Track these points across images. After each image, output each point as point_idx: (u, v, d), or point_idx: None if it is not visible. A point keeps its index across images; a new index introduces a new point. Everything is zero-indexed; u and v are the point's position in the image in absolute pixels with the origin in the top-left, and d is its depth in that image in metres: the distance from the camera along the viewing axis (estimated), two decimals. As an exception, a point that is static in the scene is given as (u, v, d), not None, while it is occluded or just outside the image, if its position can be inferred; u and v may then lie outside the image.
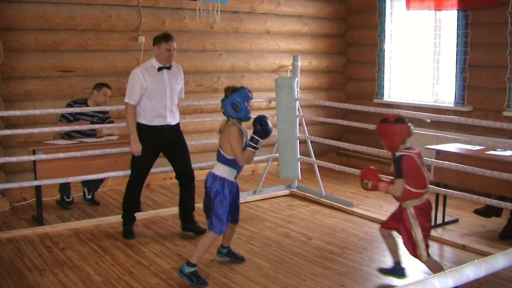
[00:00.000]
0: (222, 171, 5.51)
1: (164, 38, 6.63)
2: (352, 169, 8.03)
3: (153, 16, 9.00)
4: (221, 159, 5.51)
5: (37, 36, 8.19)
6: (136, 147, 6.68)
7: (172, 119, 6.78)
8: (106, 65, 8.74)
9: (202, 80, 9.60)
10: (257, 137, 5.35)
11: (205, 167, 8.98)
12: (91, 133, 7.97)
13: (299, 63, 9.21)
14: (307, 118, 9.15)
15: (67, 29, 8.40)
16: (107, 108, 7.84)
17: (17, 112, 7.39)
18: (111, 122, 8.08)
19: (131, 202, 6.91)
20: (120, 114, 8.81)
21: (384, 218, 7.35)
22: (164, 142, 6.78)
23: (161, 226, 7.21)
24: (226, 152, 5.45)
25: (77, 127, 7.54)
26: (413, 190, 5.03)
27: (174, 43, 6.65)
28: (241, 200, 8.08)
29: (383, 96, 10.37)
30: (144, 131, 6.68)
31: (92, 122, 7.84)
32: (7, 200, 8.04)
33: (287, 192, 8.81)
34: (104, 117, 8.03)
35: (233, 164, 5.48)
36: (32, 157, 7.17)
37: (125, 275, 5.62)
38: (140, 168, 6.87)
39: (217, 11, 9.00)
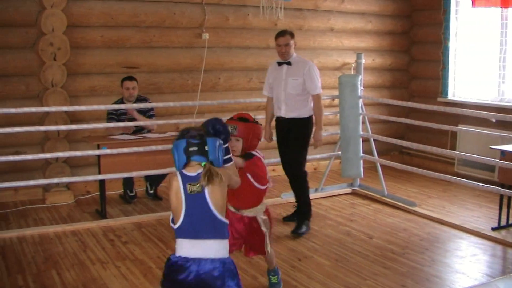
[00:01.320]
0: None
1: (276, 34, 6.95)
2: (415, 168, 7.92)
3: (217, 13, 9.02)
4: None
5: (102, 33, 8.30)
6: (265, 134, 7.31)
7: (287, 112, 6.96)
8: (169, 61, 8.81)
9: (265, 77, 9.57)
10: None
11: (267, 163, 8.99)
12: (138, 130, 8.04)
13: (363, 61, 9.11)
14: (370, 116, 9.06)
15: (131, 26, 8.49)
16: (153, 104, 7.99)
17: (83, 107, 7.50)
18: (152, 116, 8.10)
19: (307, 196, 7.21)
20: (183, 111, 8.87)
21: (447, 218, 7.30)
22: (280, 133, 7.15)
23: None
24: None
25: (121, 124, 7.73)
26: (262, 187, 4.86)
27: (283, 38, 6.85)
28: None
29: (447, 94, 10.19)
30: (311, 123, 7.04)
31: (129, 120, 7.91)
32: (72, 193, 8.18)
33: (349, 190, 8.73)
34: (145, 110, 8.03)
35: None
36: (97, 152, 7.26)
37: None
38: (305, 156, 7.17)
39: (280, 8, 8.98)
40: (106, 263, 5.82)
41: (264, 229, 4.88)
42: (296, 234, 6.73)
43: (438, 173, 7.53)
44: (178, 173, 3.60)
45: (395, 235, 6.79)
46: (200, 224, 3.53)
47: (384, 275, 5.56)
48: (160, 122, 7.88)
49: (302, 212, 7.04)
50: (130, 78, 7.96)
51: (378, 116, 9.65)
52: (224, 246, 3.60)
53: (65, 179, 7.47)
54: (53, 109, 7.41)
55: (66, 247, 6.31)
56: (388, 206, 7.98)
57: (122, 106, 7.73)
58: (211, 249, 3.54)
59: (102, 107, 7.61)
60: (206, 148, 3.55)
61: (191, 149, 3.54)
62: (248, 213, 4.87)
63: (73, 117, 8.15)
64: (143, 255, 6.05)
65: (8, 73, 7.83)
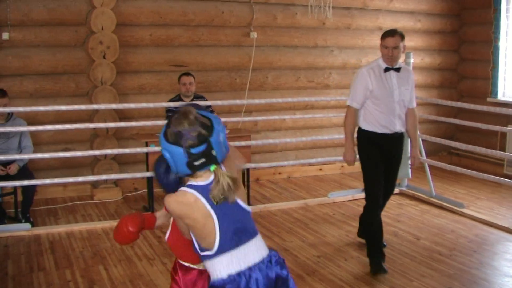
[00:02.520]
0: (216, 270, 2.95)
1: (384, 34, 5.77)
2: (464, 169, 7.82)
3: (265, 12, 9.03)
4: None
5: (151, 31, 8.37)
6: (348, 156, 5.97)
7: (401, 126, 5.87)
8: (218, 60, 8.84)
9: (313, 76, 9.56)
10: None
11: (315, 163, 8.98)
12: None
13: (412, 60, 9.00)
14: (419, 116, 8.94)
15: (180, 25, 8.55)
16: (208, 102, 7.91)
17: (131, 105, 7.57)
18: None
19: (370, 225, 5.94)
20: (231, 109, 8.89)
21: (495, 220, 7.20)
22: (386, 152, 5.86)
23: (269, 220, 7.21)
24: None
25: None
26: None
27: (392, 39, 5.65)
28: (350, 197, 8.06)
29: (497, 95, 10.02)
30: (369, 138, 5.87)
31: None
32: (120, 190, 8.26)
33: (396, 191, 8.64)
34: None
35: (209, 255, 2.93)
36: (145, 149, 7.32)
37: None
38: (372, 181, 5.91)
39: (328, 7, 8.93)
40: (153, 260, 5.86)
41: None
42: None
43: (487, 174, 7.43)
44: (188, 189, 2.82)
45: (443, 236, 6.70)
46: (237, 229, 2.91)
47: (431, 277, 5.50)
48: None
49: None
50: (187, 74, 7.99)
51: (426, 116, 9.54)
52: (261, 237, 3.05)
53: (113, 176, 7.55)
54: (102, 106, 7.49)
55: (113, 243, 6.36)
56: (435, 207, 7.88)
57: (178, 103, 7.76)
58: (258, 247, 3.00)
59: (151, 105, 7.66)
60: (214, 153, 2.80)
61: (196, 163, 2.77)
62: (203, 266, 3.25)
63: (121, 115, 8.24)
64: (189, 252, 6.07)
65: (58, 71, 7.95)
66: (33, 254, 6.03)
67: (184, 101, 7.82)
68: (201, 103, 7.83)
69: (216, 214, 2.81)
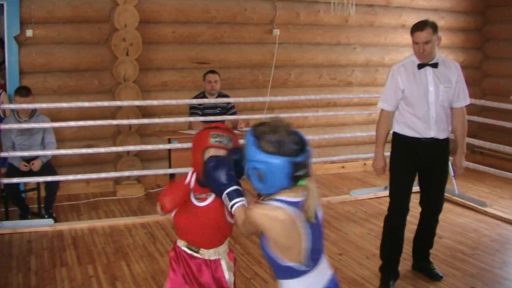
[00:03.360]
0: None
1: (412, 27, 5.15)
2: (487, 167, 7.77)
3: (288, 9, 9.01)
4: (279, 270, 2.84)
5: (174, 28, 8.39)
6: (376, 164, 5.43)
7: (439, 132, 5.15)
8: (240, 57, 8.84)
9: (336, 73, 9.53)
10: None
11: (337, 161, 8.95)
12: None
13: (435, 58, 8.97)
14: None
15: (203, 22, 8.56)
16: (230, 100, 7.95)
17: (154, 102, 7.59)
18: (234, 113, 8.12)
19: (388, 245, 5.42)
20: (253, 106, 8.90)
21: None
22: (421, 158, 5.25)
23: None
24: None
25: (202, 118, 7.64)
26: (232, 220, 3.50)
27: (421, 33, 5.01)
28: (372, 195, 8.03)
29: (521, 93, 9.96)
30: (399, 142, 5.33)
31: (214, 114, 7.90)
32: (142, 186, 8.29)
33: (417, 189, 8.59)
34: (228, 107, 8.07)
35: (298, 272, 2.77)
36: (167, 146, 7.34)
37: (254, 264, 5.66)
38: (396, 190, 5.43)
39: (351, 4, 8.89)
40: (175, 256, 5.87)
41: (227, 277, 3.61)
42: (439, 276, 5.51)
43: (510, 173, 7.37)
44: (281, 204, 2.62)
45: (465, 235, 6.66)
46: (319, 247, 2.81)
47: (453, 276, 5.46)
48: (231, 117, 7.89)
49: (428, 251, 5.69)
50: (213, 72, 8.00)
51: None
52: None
53: (136, 172, 7.58)
54: (125, 103, 7.51)
55: (135, 239, 6.40)
56: (458, 205, 7.83)
57: (200, 100, 7.78)
58: (327, 264, 2.91)
59: (174, 102, 7.68)
60: (310, 163, 2.68)
61: (298, 174, 2.62)
62: (209, 255, 3.51)
63: (144, 112, 8.26)
64: (211, 249, 6.08)
65: (82, 68, 7.99)
66: (55, 249, 6.07)
67: (208, 98, 7.83)
68: (224, 100, 7.85)
69: (305, 233, 2.64)
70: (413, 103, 5.11)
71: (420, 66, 5.12)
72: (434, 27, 5.02)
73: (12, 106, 6.88)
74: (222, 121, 7.82)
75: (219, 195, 3.03)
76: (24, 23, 7.60)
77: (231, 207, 2.98)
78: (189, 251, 3.44)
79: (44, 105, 6.98)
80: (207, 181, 3.05)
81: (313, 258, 2.73)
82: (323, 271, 2.82)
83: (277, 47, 8.98)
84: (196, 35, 8.54)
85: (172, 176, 7.43)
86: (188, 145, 7.14)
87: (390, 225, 5.39)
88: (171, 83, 8.50)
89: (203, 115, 7.80)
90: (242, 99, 7.92)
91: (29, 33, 7.61)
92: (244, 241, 6.32)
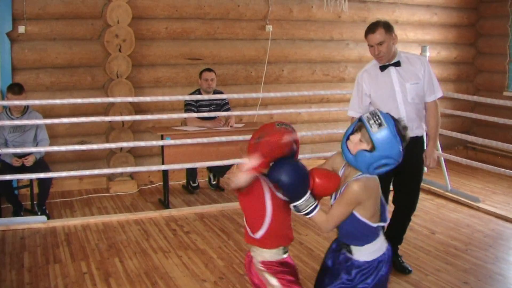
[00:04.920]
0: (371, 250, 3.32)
1: (365, 32, 5.11)
2: (480, 163, 7.76)
3: (281, 5, 9.00)
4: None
5: (167, 24, 8.38)
6: None
7: (411, 130, 4.48)
8: (234, 53, 8.84)
9: (329, 69, 9.53)
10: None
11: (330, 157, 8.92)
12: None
13: (428, 54, 8.96)
14: (435, 110, 8.91)
15: (196, 18, 8.55)
16: (224, 96, 7.92)
17: (147, 98, 7.57)
18: (228, 109, 8.10)
19: None
20: (246, 102, 8.90)
21: (511, 215, 7.11)
22: None
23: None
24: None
25: (197, 114, 7.64)
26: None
27: (373, 36, 4.98)
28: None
29: (514, 88, 9.99)
30: None
31: (209, 110, 7.91)
32: (135, 182, 8.29)
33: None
34: (222, 104, 8.08)
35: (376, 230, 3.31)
36: (160, 142, 7.33)
37: (247, 261, 5.65)
38: None
39: (344, 0, 8.90)
40: (168, 252, 5.87)
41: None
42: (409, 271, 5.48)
43: (503, 169, 7.37)
44: (370, 175, 3.20)
45: (458, 231, 6.67)
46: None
47: (446, 271, 5.47)
48: (224, 113, 7.89)
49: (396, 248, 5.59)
50: (209, 70, 7.98)
51: (443, 109, 9.44)
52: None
53: (129, 169, 7.56)
54: (118, 99, 7.50)
55: (129, 235, 6.40)
56: (451, 201, 7.84)
57: (194, 97, 7.80)
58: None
59: (167, 98, 7.67)
60: None
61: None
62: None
63: (137, 108, 8.26)
64: (204, 245, 6.09)
65: (75, 64, 7.98)
66: (49, 246, 6.06)
67: (204, 95, 7.85)
68: (218, 96, 7.84)
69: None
70: (381, 105, 5.00)
71: (383, 68, 5.08)
72: (386, 27, 4.97)
73: (5, 102, 6.86)
74: (215, 117, 7.84)
75: (294, 199, 3.13)
76: (16, 19, 7.58)
77: (311, 211, 3.14)
78: (285, 256, 3.38)
79: (36, 102, 6.96)
80: (285, 183, 3.07)
81: (384, 216, 3.30)
82: (383, 237, 3.35)
83: (270, 43, 8.98)
84: (189, 31, 8.53)
85: (165, 172, 7.42)
86: (182, 141, 7.16)
87: None
88: (164, 79, 8.49)
89: (198, 112, 7.79)
90: (235, 95, 7.91)
91: (21, 29, 7.59)
92: (237, 237, 6.33)
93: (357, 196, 3.10)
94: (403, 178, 5.28)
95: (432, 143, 5.30)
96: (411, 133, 4.44)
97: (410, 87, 5.03)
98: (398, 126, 3.18)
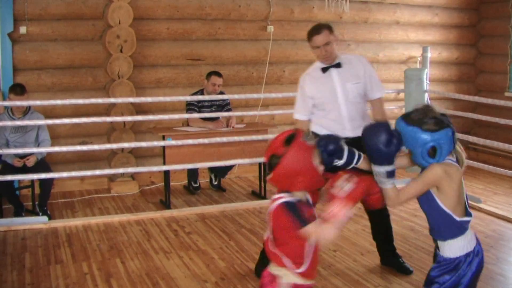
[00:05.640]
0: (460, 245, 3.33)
1: (309, 33, 5.20)
2: (481, 164, 7.76)
3: (282, 6, 9.01)
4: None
5: (168, 25, 8.39)
6: None
7: (354, 129, 5.00)
8: (235, 54, 8.84)
9: (330, 70, 9.52)
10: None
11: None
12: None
13: (429, 54, 8.99)
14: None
15: (197, 19, 8.55)
16: (225, 96, 7.95)
17: (148, 99, 7.58)
18: (229, 110, 8.11)
19: None
20: (248, 103, 8.90)
21: (514, 215, 7.11)
22: None
23: (285, 214, 7.21)
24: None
25: (196, 115, 7.64)
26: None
27: (319, 37, 5.06)
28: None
29: (515, 89, 9.98)
30: None
31: (211, 111, 7.90)
32: (137, 183, 8.29)
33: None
34: (223, 104, 8.08)
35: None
36: (162, 143, 7.34)
37: (249, 261, 5.65)
38: None
39: (345, 0, 8.90)
40: (169, 253, 5.87)
41: None
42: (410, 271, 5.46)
43: (504, 170, 7.37)
44: (451, 162, 3.24)
45: (460, 231, 6.66)
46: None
47: (448, 272, 5.46)
48: (225, 114, 7.89)
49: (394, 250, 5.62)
50: (219, 75, 7.95)
51: (444, 110, 9.44)
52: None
53: (130, 169, 7.58)
54: (120, 100, 7.52)
55: (130, 236, 6.40)
56: (453, 202, 7.84)
57: (200, 97, 7.81)
58: None
59: (168, 98, 7.68)
60: None
61: (456, 137, 3.23)
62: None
63: (139, 108, 8.27)
64: (206, 246, 6.09)
65: (76, 65, 7.99)
66: (50, 246, 6.07)
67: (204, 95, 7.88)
68: (220, 97, 7.85)
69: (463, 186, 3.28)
70: (324, 107, 5.12)
71: (324, 70, 5.14)
72: (329, 28, 5.10)
73: (6, 103, 6.88)
74: (218, 118, 7.85)
75: (381, 166, 3.21)
76: (17, 20, 7.59)
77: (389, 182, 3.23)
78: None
79: (38, 102, 6.97)
80: (376, 148, 3.19)
81: (468, 211, 3.34)
82: (471, 230, 3.36)
83: (271, 43, 8.98)
84: (191, 32, 8.54)
85: (166, 173, 7.43)
86: (183, 141, 7.16)
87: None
88: (166, 80, 8.50)
89: (199, 112, 7.80)
90: (236, 96, 7.92)
91: (23, 30, 7.61)
92: (239, 238, 6.33)
93: (435, 177, 3.16)
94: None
95: None
96: (353, 132, 4.94)
97: (351, 87, 5.10)
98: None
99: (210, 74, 7.96)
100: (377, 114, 5.31)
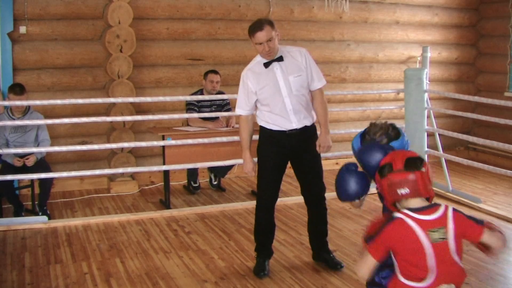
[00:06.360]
0: None
1: (250, 29, 5.13)
2: (481, 164, 7.75)
3: (282, 6, 9.01)
4: None
5: (168, 25, 8.39)
6: (246, 166, 5.47)
7: (299, 121, 5.23)
8: (235, 54, 8.84)
9: (330, 70, 9.52)
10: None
11: (331, 157, 8.93)
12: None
13: (429, 54, 8.98)
14: (436, 110, 8.90)
15: (197, 19, 8.56)
16: (224, 96, 7.94)
17: (148, 99, 7.58)
18: (229, 110, 8.10)
19: (261, 232, 5.52)
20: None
21: (515, 215, 7.10)
22: (289, 149, 5.31)
23: (285, 214, 7.21)
24: None
25: (196, 115, 7.64)
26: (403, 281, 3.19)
27: (262, 33, 5.02)
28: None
29: (515, 89, 9.97)
30: (266, 135, 5.36)
31: (210, 111, 7.90)
32: (136, 183, 8.29)
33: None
34: (223, 104, 8.08)
35: None
36: (161, 143, 7.33)
37: (248, 261, 5.65)
38: (265, 185, 5.45)
39: (345, 0, 8.90)
40: (169, 253, 5.87)
41: None
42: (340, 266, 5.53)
43: (504, 170, 7.36)
44: None
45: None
46: None
47: (448, 272, 5.46)
48: (225, 114, 7.89)
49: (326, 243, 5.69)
50: (215, 72, 7.97)
51: (444, 110, 9.49)
52: None
53: (130, 169, 7.58)
54: (119, 100, 7.51)
55: (130, 236, 6.40)
56: (452, 202, 7.83)
57: (199, 97, 7.80)
58: None
59: (168, 98, 7.69)
60: None
61: None
62: None
63: (138, 108, 8.27)
64: (205, 246, 6.09)
65: (76, 64, 7.99)
66: (50, 246, 6.07)
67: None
68: (220, 97, 7.85)
69: None
70: (268, 102, 5.20)
71: (267, 65, 5.18)
72: (271, 24, 5.10)
73: (6, 103, 6.88)
74: (217, 118, 7.86)
75: None
76: (17, 20, 7.59)
77: None
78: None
79: (38, 102, 6.97)
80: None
81: None
82: None
83: (271, 43, 8.97)
84: (190, 32, 8.54)
85: (166, 172, 7.43)
86: (183, 141, 7.16)
87: (261, 214, 5.49)
88: (165, 79, 8.49)
89: (200, 112, 7.79)
90: (236, 96, 7.89)
91: (22, 29, 7.61)
92: (238, 238, 6.33)
93: None
94: (304, 168, 5.42)
95: (324, 130, 5.38)
96: (299, 124, 5.19)
97: (293, 80, 5.15)
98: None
99: (206, 73, 7.98)
100: (317, 104, 5.37)
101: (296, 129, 5.21)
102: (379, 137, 3.70)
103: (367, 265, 3.14)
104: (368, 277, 3.21)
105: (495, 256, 3.35)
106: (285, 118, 5.19)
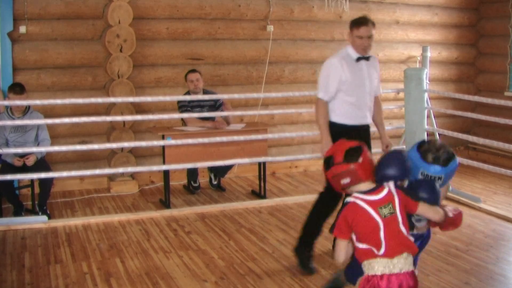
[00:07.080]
0: None
1: (356, 23, 5.38)
2: (481, 163, 7.75)
3: (282, 6, 9.00)
4: None
5: (168, 25, 8.38)
6: (326, 149, 5.07)
7: (369, 118, 5.60)
8: (235, 53, 8.84)
9: (329, 70, 9.51)
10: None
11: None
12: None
13: (429, 54, 8.97)
14: (436, 110, 8.91)
15: (197, 18, 8.55)
16: (219, 96, 7.91)
17: (148, 98, 7.59)
18: (223, 111, 8.07)
19: (315, 225, 5.51)
20: (247, 103, 8.89)
21: (514, 215, 7.11)
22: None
23: (285, 214, 7.21)
24: None
25: (194, 115, 7.63)
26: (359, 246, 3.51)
27: (366, 28, 5.29)
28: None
29: (515, 89, 9.97)
30: (337, 131, 5.41)
31: (202, 111, 7.88)
32: (136, 183, 8.29)
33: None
34: (216, 105, 8.04)
35: None
36: (161, 142, 7.33)
37: (248, 261, 5.66)
38: None
39: (345, 0, 8.90)
40: (169, 253, 5.87)
41: None
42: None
43: (504, 169, 7.36)
44: None
45: (459, 231, 6.63)
46: None
47: (447, 272, 5.46)
48: (225, 113, 7.89)
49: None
50: (193, 71, 7.97)
51: (444, 110, 9.49)
52: None
53: (130, 169, 7.58)
54: (119, 99, 7.52)
55: (130, 235, 6.40)
56: (452, 201, 7.82)
57: (187, 97, 7.78)
58: None
59: (168, 98, 7.70)
60: None
61: None
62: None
63: (138, 108, 8.27)
64: (205, 246, 6.09)
65: (76, 64, 7.98)
66: (50, 246, 6.07)
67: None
68: (209, 97, 7.83)
69: None
70: (352, 93, 5.43)
71: (358, 59, 5.44)
72: (373, 23, 5.40)
73: (6, 102, 6.87)
74: (213, 118, 7.85)
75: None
76: (17, 20, 7.59)
77: None
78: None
79: (37, 102, 6.95)
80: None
81: None
82: None
83: (271, 43, 8.97)
84: (190, 31, 8.54)
85: (166, 172, 7.42)
86: (183, 141, 7.16)
87: (325, 210, 5.49)
88: (165, 79, 8.49)
89: (193, 112, 7.78)
90: (236, 95, 7.92)
91: (22, 29, 7.60)
92: (238, 237, 6.33)
93: None
94: None
95: (385, 132, 5.90)
96: (369, 120, 5.62)
97: (373, 80, 5.55)
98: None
99: (186, 75, 7.99)
100: (379, 108, 5.80)
101: (366, 124, 5.58)
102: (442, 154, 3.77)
103: (339, 248, 3.50)
104: (344, 259, 3.54)
105: (446, 230, 3.93)
106: (362, 112, 5.51)
